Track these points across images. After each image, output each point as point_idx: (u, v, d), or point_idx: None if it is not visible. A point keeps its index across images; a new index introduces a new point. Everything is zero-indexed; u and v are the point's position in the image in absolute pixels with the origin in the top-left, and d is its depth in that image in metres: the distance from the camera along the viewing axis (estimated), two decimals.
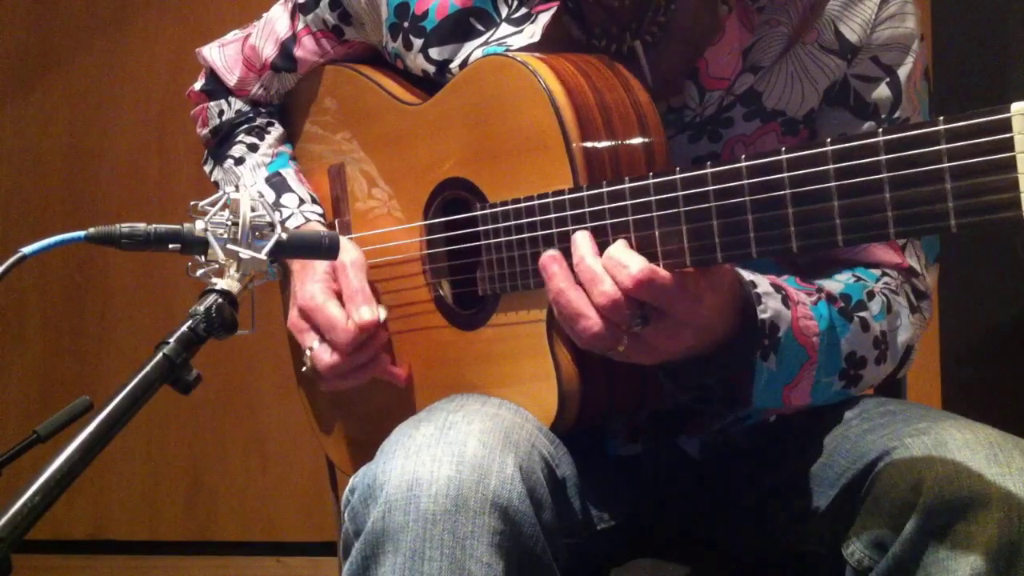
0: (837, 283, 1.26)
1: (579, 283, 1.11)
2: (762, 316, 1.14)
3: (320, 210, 1.48)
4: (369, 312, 1.32)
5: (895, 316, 1.28)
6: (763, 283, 1.17)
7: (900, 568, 1.08)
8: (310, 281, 1.35)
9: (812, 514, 1.22)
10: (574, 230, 1.13)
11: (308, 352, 1.35)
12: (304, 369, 1.37)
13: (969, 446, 1.08)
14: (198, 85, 1.61)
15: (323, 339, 1.34)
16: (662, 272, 1.07)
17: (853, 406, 1.27)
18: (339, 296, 1.35)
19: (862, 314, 1.24)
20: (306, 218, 1.45)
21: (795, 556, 1.26)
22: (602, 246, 1.11)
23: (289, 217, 1.44)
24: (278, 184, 1.49)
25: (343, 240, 1.38)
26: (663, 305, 1.07)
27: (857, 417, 1.24)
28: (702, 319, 1.09)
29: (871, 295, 1.26)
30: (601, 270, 1.08)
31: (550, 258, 1.13)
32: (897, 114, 1.30)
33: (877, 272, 1.30)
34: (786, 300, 1.17)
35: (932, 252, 1.36)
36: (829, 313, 1.21)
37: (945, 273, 2.38)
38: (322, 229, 1.45)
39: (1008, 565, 1.03)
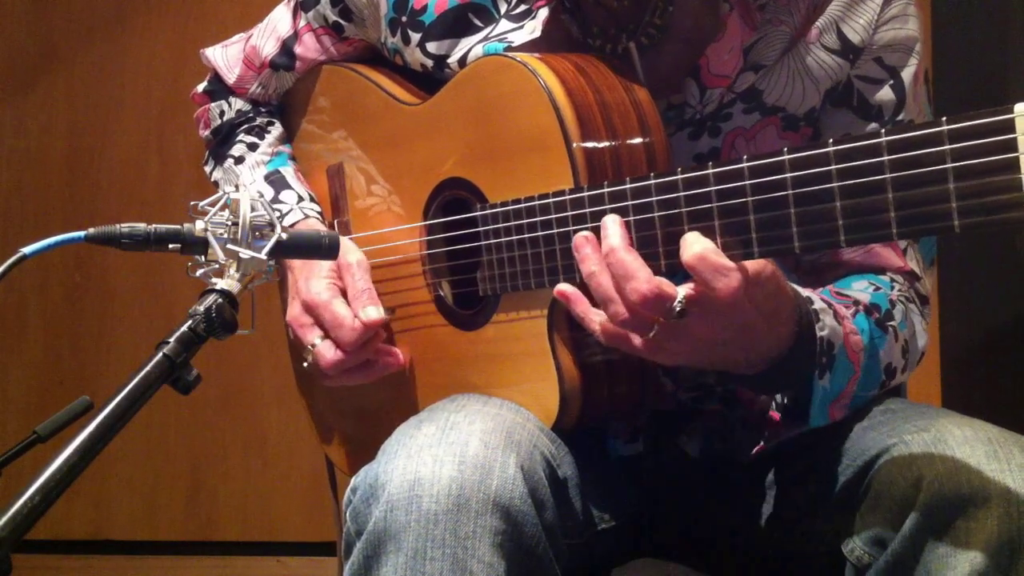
0: (862, 293, 1.25)
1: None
2: (821, 334, 1.13)
3: (319, 208, 1.48)
4: (376, 311, 1.32)
5: (911, 324, 1.28)
6: (816, 299, 1.15)
7: (900, 565, 1.08)
8: (315, 277, 1.35)
9: (812, 512, 1.22)
10: (575, 230, 1.12)
11: (311, 348, 1.35)
12: (305, 365, 1.37)
13: (968, 443, 1.08)
14: (201, 87, 1.62)
15: (327, 336, 1.34)
16: (722, 257, 1.02)
17: None
18: (343, 295, 1.35)
19: (891, 324, 1.23)
20: (305, 214, 1.45)
21: (795, 555, 1.26)
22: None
23: (288, 213, 1.44)
24: (277, 181, 1.49)
25: (346, 241, 1.38)
26: (712, 283, 1.02)
27: (857, 415, 1.24)
28: (743, 312, 1.05)
29: (893, 303, 1.25)
30: (634, 265, 1.05)
31: (583, 239, 1.10)
32: (901, 116, 1.30)
33: (887, 279, 1.30)
34: (836, 316, 1.16)
35: (929, 256, 1.36)
36: (869, 326, 1.20)
37: (945, 273, 2.40)
38: (321, 227, 1.45)
39: (1008, 561, 1.03)
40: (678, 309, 1.04)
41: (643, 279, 1.04)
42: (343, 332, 1.32)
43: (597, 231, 1.10)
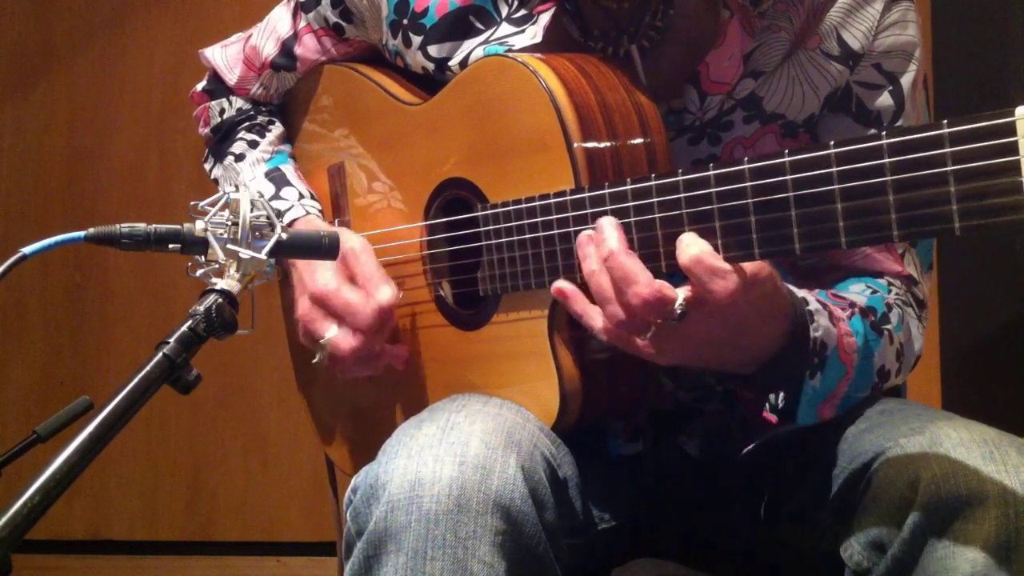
0: (859, 296, 1.26)
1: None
2: (814, 335, 1.13)
3: (319, 206, 1.48)
4: (390, 290, 1.31)
5: (907, 327, 1.28)
6: (812, 300, 1.16)
7: (899, 568, 1.08)
8: (320, 269, 1.33)
9: (811, 513, 1.22)
10: (576, 230, 1.13)
11: (323, 340, 1.33)
12: (317, 359, 1.35)
13: (965, 444, 1.08)
14: (200, 86, 1.62)
15: (342, 324, 1.32)
16: (718, 259, 1.03)
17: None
18: (351, 281, 1.34)
19: (887, 327, 1.24)
20: (306, 211, 1.44)
21: (795, 555, 1.26)
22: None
23: (289, 209, 1.44)
24: (277, 179, 1.49)
25: (343, 230, 1.37)
26: (708, 285, 1.03)
27: (855, 417, 1.24)
28: (739, 313, 1.06)
29: (889, 307, 1.26)
30: (634, 268, 1.05)
31: (587, 238, 1.11)
32: (899, 122, 1.30)
33: (884, 282, 1.31)
34: (831, 317, 1.16)
35: (926, 260, 1.36)
36: (864, 328, 1.21)
37: (945, 274, 2.40)
38: (322, 224, 1.45)
39: (1006, 562, 1.03)
40: (679, 312, 1.05)
41: (644, 283, 1.05)
42: (359, 317, 1.30)
43: None
